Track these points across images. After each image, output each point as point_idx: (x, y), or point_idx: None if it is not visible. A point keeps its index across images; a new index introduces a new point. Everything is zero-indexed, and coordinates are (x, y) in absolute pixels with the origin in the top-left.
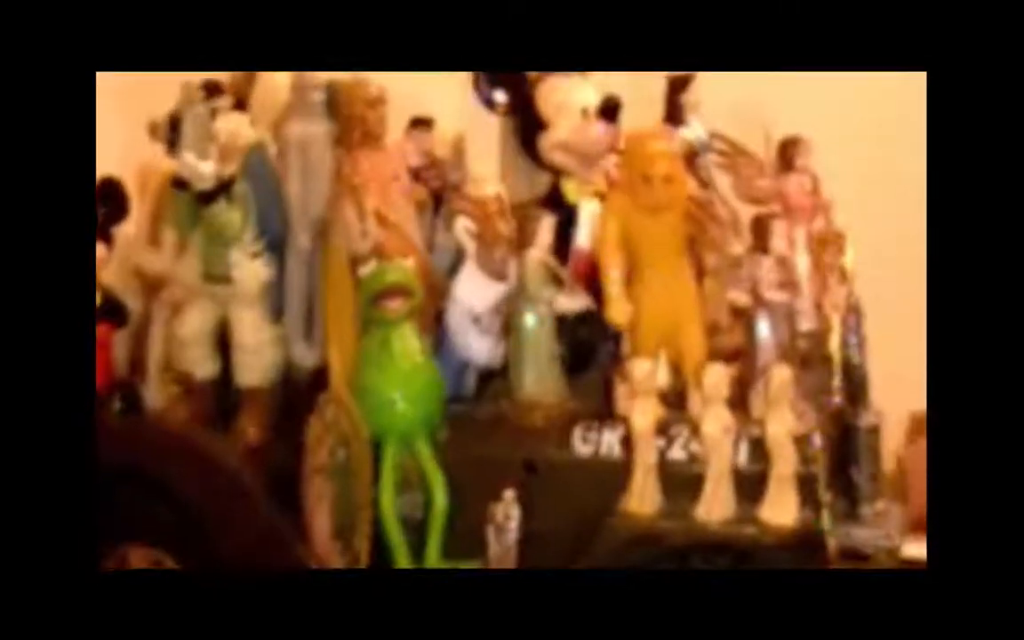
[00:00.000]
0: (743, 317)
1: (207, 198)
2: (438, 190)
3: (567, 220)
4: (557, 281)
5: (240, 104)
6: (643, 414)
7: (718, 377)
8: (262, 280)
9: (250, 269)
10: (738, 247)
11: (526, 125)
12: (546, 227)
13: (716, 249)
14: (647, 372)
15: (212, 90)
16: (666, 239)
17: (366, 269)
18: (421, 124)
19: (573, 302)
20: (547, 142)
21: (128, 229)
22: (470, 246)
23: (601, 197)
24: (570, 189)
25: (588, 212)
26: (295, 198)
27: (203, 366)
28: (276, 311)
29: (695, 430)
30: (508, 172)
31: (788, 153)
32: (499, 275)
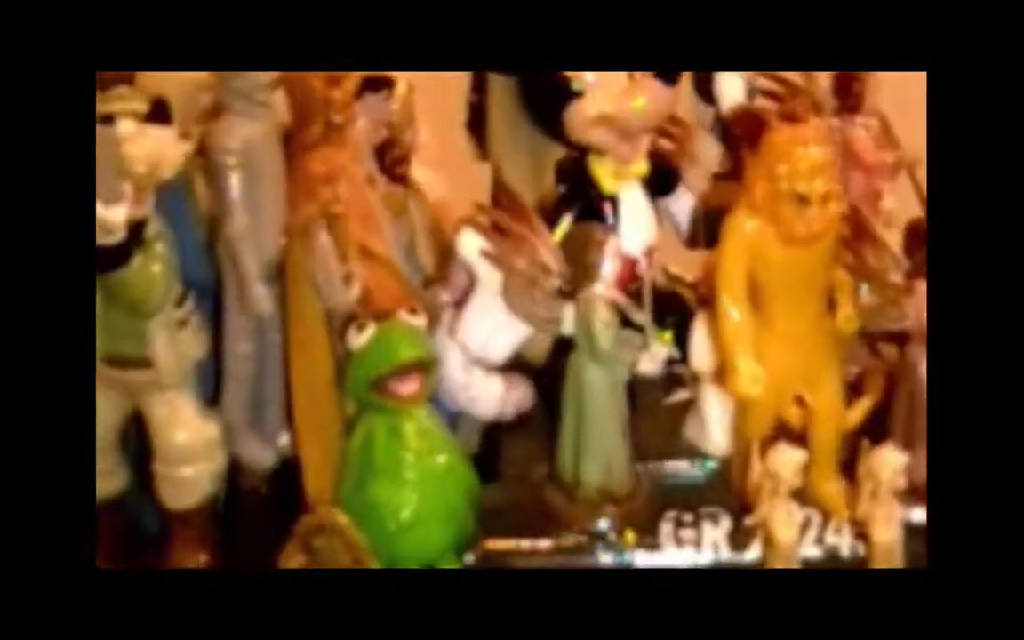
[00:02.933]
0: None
1: (116, 257)
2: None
3: (592, 213)
4: (631, 327)
5: (160, 111)
6: (788, 523)
7: (895, 465)
8: (194, 357)
9: (177, 344)
10: (897, 275)
11: (545, 92)
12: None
13: (877, 282)
14: (796, 464)
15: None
16: (809, 274)
17: (360, 338)
18: (377, 86)
19: (656, 360)
20: (581, 115)
21: None
22: (489, 275)
23: (647, 183)
24: (605, 174)
25: (633, 205)
26: (237, 233)
27: (106, 482)
28: (208, 396)
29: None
30: (504, 156)
31: (850, 86)
32: (543, 321)
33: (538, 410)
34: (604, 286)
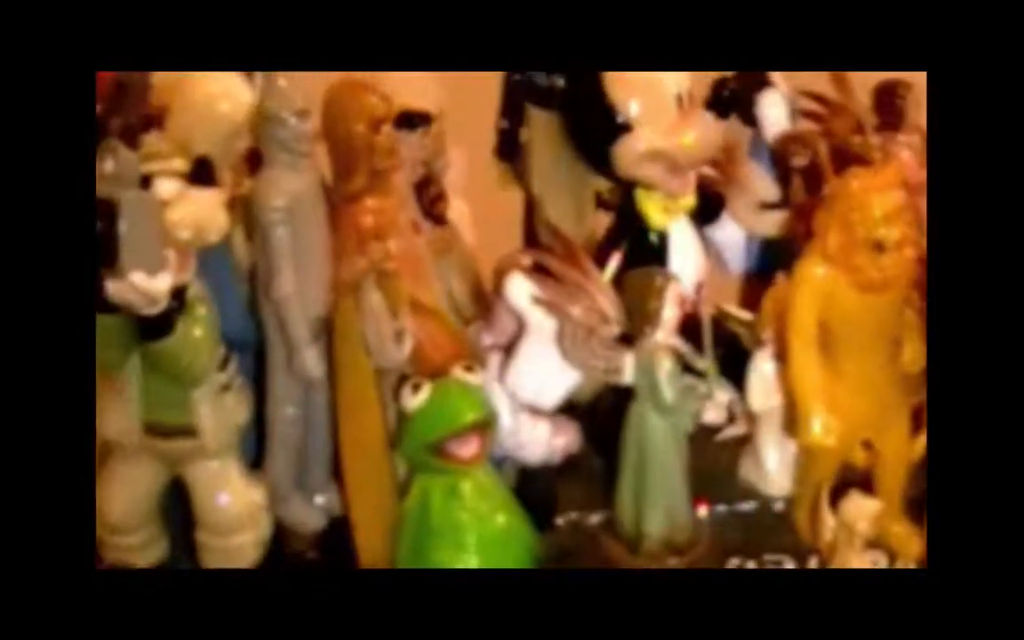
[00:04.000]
0: None
1: (160, 328)
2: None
3: (642, 250)
4: (690, 371)
5: (203, 172)
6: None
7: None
8: (239, 423)
9: (221, 410)
10: None
11: (592, 126)
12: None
13: None
14: (870, 514)
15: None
16: (880, 320)
17: (416, 399)
18: (415, 122)
19: (721, 409)
20: (631, 150)
21: None
22: (541, 322)
23: (695, 217)
24: (654, 209)
25: (683, 240)
26: (285, 295)
27: (146, 553)
28: (251, 458)
29: None
30: (546, 192)
31: (892, 102)
32: (602, 371)
33: (586, 451)
34: (665, 333)
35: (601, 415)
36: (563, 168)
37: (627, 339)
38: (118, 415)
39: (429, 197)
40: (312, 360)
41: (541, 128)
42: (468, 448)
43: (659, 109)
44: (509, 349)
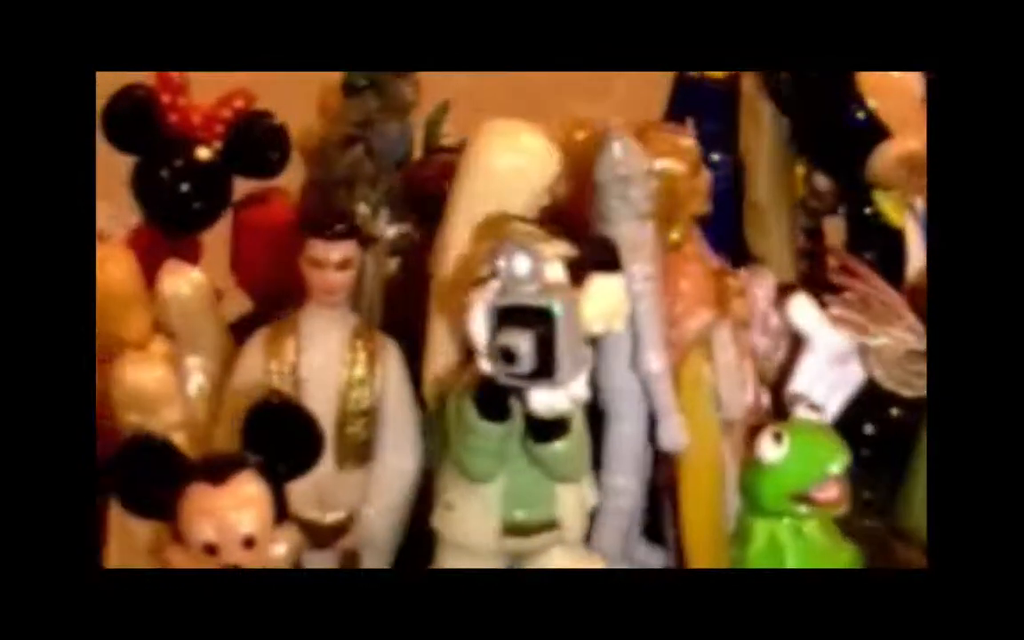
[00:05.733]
0: None
1: (561, 429)
2: None
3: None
4: None
5: (609, 256)
6: None
7: None
8: (592, 505)
9: (579, 496)
10: None
11: (848, 130)
12: None
13: None
14: None
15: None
16: None
17: (779, 450)
18: None
19: None
20: (888, 156)
21: None
22: (828, 341)
23: None
24: (892, 209)
25: (913, 235)
26: (656, 368)
27: None
28: None
29: None
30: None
31: None
32: (921, 386)
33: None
34: None
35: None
36: (783, 174)
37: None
38: (472, 521)
39: None
40: (679, 426)
41: (769, 130)
42: (830, 492)
43: (911, 111)
44: None
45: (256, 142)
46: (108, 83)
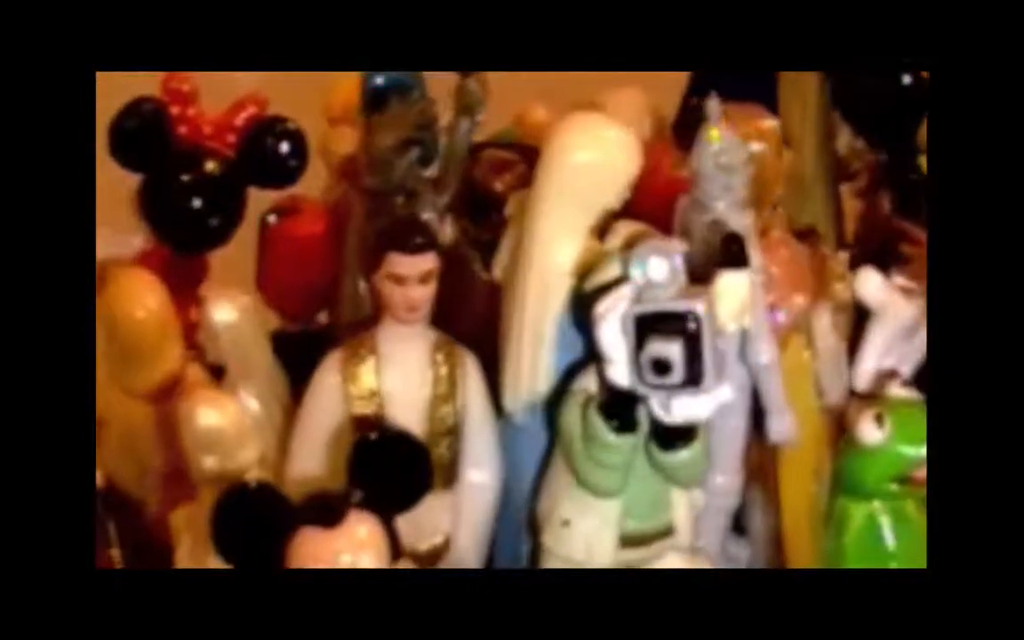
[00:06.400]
0: None
1: (688, 434)
2: None
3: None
4: None
5: (740, 250)
6: None
7: None
8: (700, 507)
9: (690, 499)
10: None
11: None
12: None
13: None
14: None
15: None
16: None
17: (882, 433)
18: None
19: None
20: None
21: None
22: (898, 312)
23: None
24: None
25: None
26: (769, 360)
27: None
28: None
29: None
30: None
31: None
32: None
33: None
34: None
35: None
36: (827, 144)
37: None
38: (596, 537)
39: None
40: (794, 423)
41: (814, 102)
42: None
43: None
44: None
45: (272, 150)
46: (108, 83)
